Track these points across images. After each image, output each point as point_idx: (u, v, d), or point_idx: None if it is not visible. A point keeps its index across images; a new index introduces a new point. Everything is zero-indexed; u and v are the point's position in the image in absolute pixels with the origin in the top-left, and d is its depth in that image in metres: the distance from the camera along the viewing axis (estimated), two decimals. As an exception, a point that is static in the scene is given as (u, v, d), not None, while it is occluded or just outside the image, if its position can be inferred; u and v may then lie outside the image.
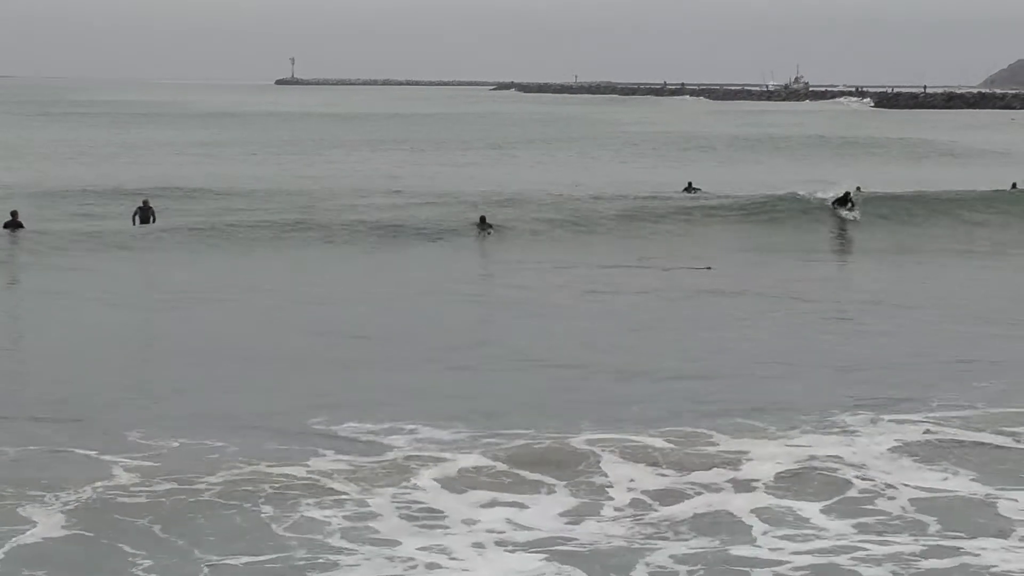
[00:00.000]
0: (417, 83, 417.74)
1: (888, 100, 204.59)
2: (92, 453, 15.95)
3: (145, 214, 38.77)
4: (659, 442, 16.65)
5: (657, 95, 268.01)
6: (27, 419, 17.56)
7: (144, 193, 44.18)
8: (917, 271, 33.97)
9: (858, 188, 50.70)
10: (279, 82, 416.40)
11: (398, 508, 14.40)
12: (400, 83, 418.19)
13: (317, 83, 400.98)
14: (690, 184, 55.11)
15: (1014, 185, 60.29)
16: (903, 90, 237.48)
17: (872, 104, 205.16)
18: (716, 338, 23.72)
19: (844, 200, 44.42)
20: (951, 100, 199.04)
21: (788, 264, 34.48)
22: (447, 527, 13.93)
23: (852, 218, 42.99)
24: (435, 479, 15.24)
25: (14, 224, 36.38)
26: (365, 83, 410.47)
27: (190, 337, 23.46)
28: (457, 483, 15.18)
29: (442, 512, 14.33)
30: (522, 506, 14.54)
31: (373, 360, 21.74)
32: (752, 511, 14.40)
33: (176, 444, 16.39)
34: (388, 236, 37.44)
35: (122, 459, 15.65)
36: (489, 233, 38.38)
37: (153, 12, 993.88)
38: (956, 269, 34.21)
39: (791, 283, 30.70)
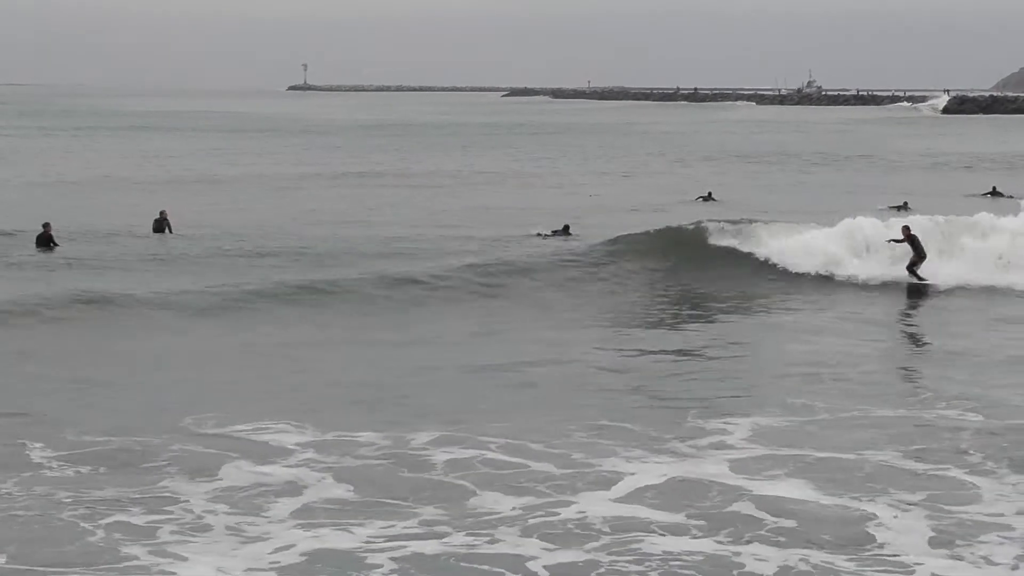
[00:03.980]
0: (431, 89, 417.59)
1: (959, 105, 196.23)
2: None
3: (160, 225, 38.51)
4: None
5: (687, 100, 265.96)
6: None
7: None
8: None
9: (905, 203, 50.65)
10: (291, 88, 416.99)
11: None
12: (413, 89, 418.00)
13: (330, 89, 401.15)
14: (709, 194, 55.26)
15: (993, 189, 60.11)
16: (915, 94, 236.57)
17: (939, 110, 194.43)
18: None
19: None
20: (963, 104, 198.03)
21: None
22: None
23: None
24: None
25: (46, 239, 34.14)
26: (378, 89, 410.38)
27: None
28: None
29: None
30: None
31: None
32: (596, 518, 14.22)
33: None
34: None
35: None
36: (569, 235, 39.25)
37: (157, 19, 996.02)
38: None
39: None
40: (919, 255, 31.49)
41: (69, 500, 14.42)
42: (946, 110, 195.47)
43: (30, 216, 38.84)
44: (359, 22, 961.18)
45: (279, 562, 12.87)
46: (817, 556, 13.11)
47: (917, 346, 26.28)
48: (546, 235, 39.66)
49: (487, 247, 36.26)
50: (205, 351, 23.38)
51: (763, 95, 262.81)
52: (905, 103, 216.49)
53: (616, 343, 24.45)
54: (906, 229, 31.94)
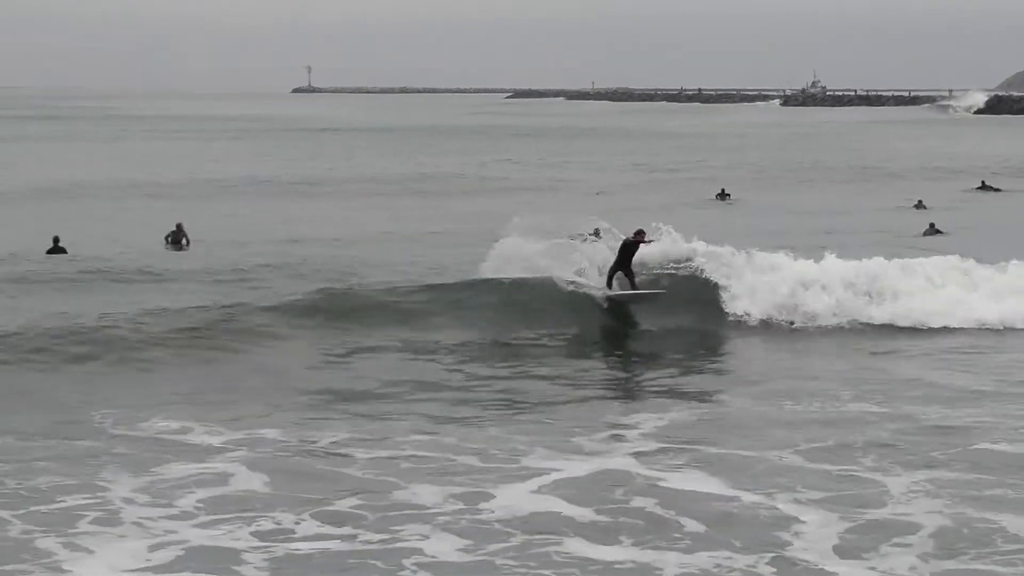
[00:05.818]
0: (434, 91, 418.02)
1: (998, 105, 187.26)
2: None
3: (177, 236, 38.27)
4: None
5: (696, 101, 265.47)
6: None
7: None
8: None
9: (920, 202, 51.33)
10: (296, 91, 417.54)
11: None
12: (418, 91, 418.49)
13: (334, 91, 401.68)
14: (723, 191, 56.11)
15: (983, 183, 61.79)
16: (920, 94, 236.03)
17: (974, 111, 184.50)
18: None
19: None
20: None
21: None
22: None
23: None
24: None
25: (56, 250, 35.53)
26: (383, 91, 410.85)
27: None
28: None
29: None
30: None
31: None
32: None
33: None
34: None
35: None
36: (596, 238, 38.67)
37: (159, 21, 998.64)
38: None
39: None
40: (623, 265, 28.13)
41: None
42: (982, 110, 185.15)
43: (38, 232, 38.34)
44: (362, 24, 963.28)
45: (151, 560, 13.00)
46: (736, 556, 13.11)
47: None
48: (583, 238, 39.61)
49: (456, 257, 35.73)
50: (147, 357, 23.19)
51: (767, 95, 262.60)
52: (941, 102, 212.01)
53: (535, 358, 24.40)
54: (641, 234, 28.48)
